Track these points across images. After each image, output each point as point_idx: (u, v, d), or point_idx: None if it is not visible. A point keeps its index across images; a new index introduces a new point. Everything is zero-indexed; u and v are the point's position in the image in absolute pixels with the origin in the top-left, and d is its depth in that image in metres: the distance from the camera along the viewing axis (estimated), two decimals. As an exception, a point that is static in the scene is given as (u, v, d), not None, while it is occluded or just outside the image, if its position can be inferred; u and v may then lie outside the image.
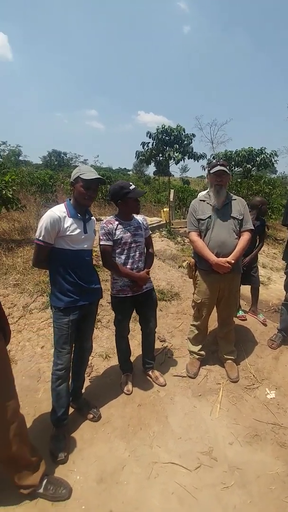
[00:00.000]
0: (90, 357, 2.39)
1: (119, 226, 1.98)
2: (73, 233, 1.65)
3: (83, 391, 2.10)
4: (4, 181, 4.60)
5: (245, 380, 2.38)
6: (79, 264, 1.71)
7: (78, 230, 1.67)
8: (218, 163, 2.19)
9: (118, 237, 1.96)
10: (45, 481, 1.47)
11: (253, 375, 2.44)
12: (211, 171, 2.19)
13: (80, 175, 1.63)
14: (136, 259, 2.03)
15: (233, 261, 2.11)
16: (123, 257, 2.00)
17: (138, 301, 2.13)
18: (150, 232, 2.25)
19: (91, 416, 1.97)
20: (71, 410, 1.93)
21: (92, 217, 1.85)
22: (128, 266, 2.00)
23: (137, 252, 2.03)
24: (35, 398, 2.13)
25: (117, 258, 2.00)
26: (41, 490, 1.44)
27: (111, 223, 1.97)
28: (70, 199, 1.74)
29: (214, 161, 2.30)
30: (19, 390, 2.14)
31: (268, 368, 2.53)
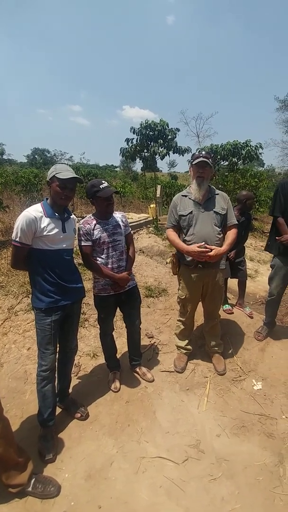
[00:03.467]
0: (77, 356, 2.39)
1: (97, 225, 1.95)
2: (50, 233, 1.62)
3: (70, 390, 2.09)
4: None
5: (232, 373, 2.42)
6: (58, 263, 1.69)
7: (56, 230, 1.64)
8: (201, 154, 2.14)
9: (97, 237, 1.93)
10: (33, 480, 1.50)
11: (240, 367, 2.47)
12: (193, 163, 2.15)
13: (55, 174, 1.60)
14: (116, 258, 2.01)
15: (218, 254, 2.07)
16: (103, 256, 1.98)
17: (121, 300, 2.12)
18: (131, 230, 2.22)
19: (78, 415, 1.97)
20: (58, 410, 1.93)
21: (72, 216, 1.82)
22: (109, 266, 1.98)
23: (117, 251, 2.01)
24: (22, 400, 2.11)
25: (97, 258, 1.98)
26: (29, 489, 1.48)
27: (88, 223, 1.94)
28: (47, 199, 1.71)
29: (196, 153, 2.23)
30: (6, 392, 2.15)
31: (254, 359, 2.58)
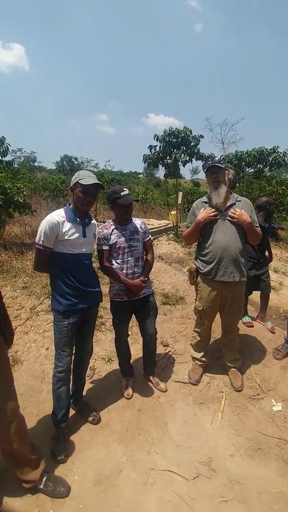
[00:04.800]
0: (92, 360, 2.41)
1: (115, 231, 1.99)
2: (71, 237, 1.67)
3: (84, 393, 2.12)
4: (16, 187, 4.77)
5: (250, 390, 2.31)
6: (77, 267, 1.73)
7: (76, 234, 1.69)
8: (209, 161, 2.15)
9: (113, 242, 1.97)
10: (45, 478, 1.54)
11: (259, 385, 2.36)
12: (205, 171, 2.15)
13: (79, 181, 1.65)
14: (132, 264, 2.01)
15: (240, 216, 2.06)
16: (118, 261, 2.00)
17: (135, 307, 2.12)
18: (151, 237, 2.23)
19: (91, 418, 1.98)
20: (71, 412, 1.96)
21: (92, 221, 1.87)
22: (124, 271, 2.00)
23: (133, 257, 2.01)
24: (38, 398, 2.17)
25: (113, 263, 2.01)
26: (41, 486, 1.52)
27: (106, 228, 1.99)
28: (70, 204, 1.77)
29: (207, 162, 2.25)
30: (24, 390, 2.22)
31: (275, 378, 2.45)
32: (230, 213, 2.07)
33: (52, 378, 1.81)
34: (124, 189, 1.97)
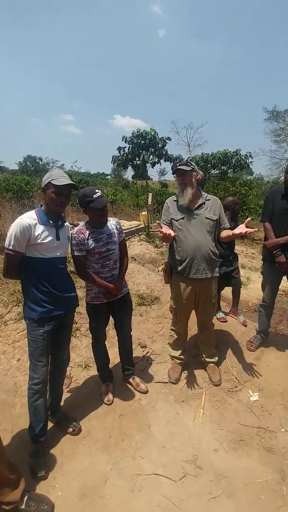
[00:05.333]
0: (69, 368, 2.31)
1: (91, 235, 1.89)
2: (44, 241, 1.57)
3: (61, 403, 2.01)
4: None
5: (228, 383, 2.38)
6: (52, 272, 1.64)
7: (50, 238, 1.60)
8: (177, 164, 2.15)
9: (91, 247, 1.88)
10: (26, 497, 1.44)
11: (236, 377, 2.44)
12: (172, 174, 2.19)
13: (51, 181, 1.56)
14: (111, 267, 1.97)
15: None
16: (97, 266, 1.94)
17: (114, 307, 2.09)
18: (124, 236, 2.19)
19: (70, 429, 1.89)
20: (50, 424, 1.86)
21: (66, 223, 1.78)
22: (102, 275, 1.95)
23: (111, 260, 1.97)
24: (12, 413, 2.02)
25: (91, 267, 1.94)
26: (23, 507, 1.42)
27: (82, 233, 1.87)
28: (41, 206, 1.67)
29: (173, 164, 2.25)
30: (-5, 406, 2.04)
31: (250, 369, 2.54)
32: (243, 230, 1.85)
33: (28, 391, 1.70)
34: (96, 190, 1.85)
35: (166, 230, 1.91)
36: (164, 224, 2.23)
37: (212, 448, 1.80)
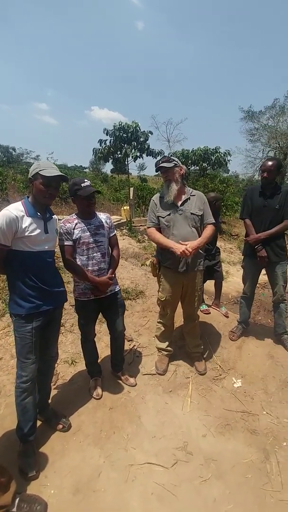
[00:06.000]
0: (55, 364, 2.26)
1: (78, 225, 1.88)
2: (32, 234, 1.51)
3: (49, 401, 1.98)
4: None
5: (213, 372, 2.47)
6: (40, 266, 1.59)
7: (38, 230, 1.54)
8: (160, 161, 2.19)
9: (77, 237, 1.86)
10: (17, 499, 1.40)
11: (220, 366, 2.54)
12: (156, 171, 2.23)
13: (39, 171, 1.50)
14: (98, 260, 1.93)
15: (193, 247, 2.04)
16: (83, 258, 1.90)
17: (103, 305, 2.06)
18: (116, 232, 2.17)
19: (60, 426, 1.87)
20: (38, 422, 1.81)
21: (54, 216, 1.73)
22: (89, 268, 1.91)
23: (99, 253, 1.93)
24: (-4, 415, 1.94)
25: (77, 259, 1.90)
26: (14, 509, 1.38)
27: (69, 222, 1.87)
28: (28, 197, 1.60)
29: (157, 162, 2.28)
30: (-23, 409, 1.95)
31: (233, 358, 2.66)
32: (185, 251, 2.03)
33: (15, 389, 1.64)
34: (85, 180, 1.87)
35: (180, 246, 2.04)
36: (154, 225, 2.25)
37: (200, 434, 1.87)
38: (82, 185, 1.82)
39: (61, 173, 1.54)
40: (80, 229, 1.87)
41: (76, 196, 1.84)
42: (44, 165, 1.53)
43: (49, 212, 1.69)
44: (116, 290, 2.10)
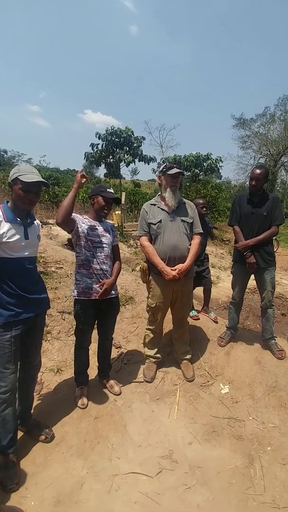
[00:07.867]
0: (40, 373, 2.21)
1: (88, 223, 2.01)
2: (10, 240, 1.49)
3: (32, 411, 1.92)
4: None
5: (201, 378, 2.45)
6: (19, 273, 1.56)
7: (17, 236, 1.52)
8: (174, 165, 2.23)
9: (84, 232, 1.96)
10: None
11: (208, 372, 2.52)
12: (169, 173, 2.18)
13: (18, 176, 1.48)
14: (102, 260, 2.01)
15: (182, 271, 2.16)
16: (89, 253, 1.98)
17: (101, 309, 2.07)
18: (118, 241, 2.26)
19: (43, 437, 1.81)
20: (20, 434, 1.76)
21: (36, 221, 1.71)
22: (93, 265, 1.97)
23: (103, 254, 2.01)
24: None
25: (83, 253, 1.97)
26: None
27: (84, 217, 2.05)
28: (7, 202, 1.58)
29: (168, 163, 2.31)
30: None
31: (221, 364, 2.65)
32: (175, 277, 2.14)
33: (-6, 400, 1.60)
34: (110, 188, 2.08)
35: (169, 272, 2.14)
36: (145, 234, 2.28)
37: (186, 442, 1.85)
38: (108, 190, 2.03)
39: (41, 179, 1.52)
40: (88, 226, 1.98)
41: (97, 196, 2.00)
42: (24, 170, 1.51)
43: (31, 217, 1.67)
44: (116, 295, 2.15)
